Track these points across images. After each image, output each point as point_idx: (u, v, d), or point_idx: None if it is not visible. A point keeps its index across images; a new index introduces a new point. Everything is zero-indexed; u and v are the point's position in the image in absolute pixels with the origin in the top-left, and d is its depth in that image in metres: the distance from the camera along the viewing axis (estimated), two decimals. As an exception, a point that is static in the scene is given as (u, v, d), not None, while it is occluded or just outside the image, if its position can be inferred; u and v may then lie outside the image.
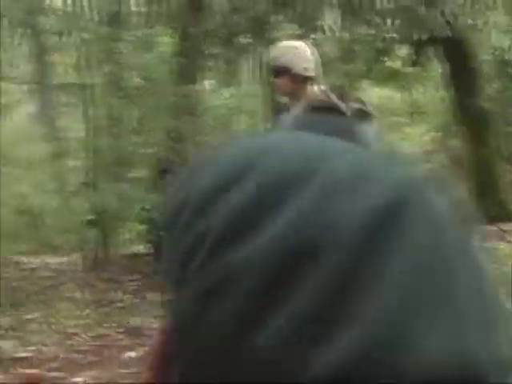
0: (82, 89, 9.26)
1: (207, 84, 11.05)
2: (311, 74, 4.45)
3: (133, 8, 12.99)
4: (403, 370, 0.43)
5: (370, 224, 0.45)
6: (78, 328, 6.10)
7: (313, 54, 4.56)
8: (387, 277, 0.44)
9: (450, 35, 9.79)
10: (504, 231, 8.72)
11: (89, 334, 5.94)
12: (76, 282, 7.85)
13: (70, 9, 11.11)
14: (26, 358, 5.35)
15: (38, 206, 9.99)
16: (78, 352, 5.43)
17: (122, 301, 7.13)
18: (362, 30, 10.88)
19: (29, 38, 12.74)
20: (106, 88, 8.50)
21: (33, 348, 5.57)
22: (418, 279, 0.45)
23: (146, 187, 8.13)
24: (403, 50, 12.38)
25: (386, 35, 10.86)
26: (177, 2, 12.20)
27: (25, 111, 12.64)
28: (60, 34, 10.01)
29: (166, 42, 9.32)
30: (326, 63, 11.57)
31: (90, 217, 8.20)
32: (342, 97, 4.43)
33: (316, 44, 12.12)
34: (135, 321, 6.39)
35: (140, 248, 9.42)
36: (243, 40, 9.74)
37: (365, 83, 12.34)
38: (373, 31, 10.82)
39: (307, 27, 10.05)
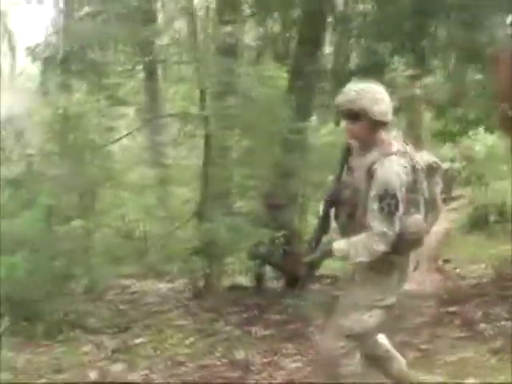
0: (195, 119, 9.41)
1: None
2: (388, 119, 4.20)
3: (246, 41, 13.22)
4: None
5: None
6: (184, 356, 6.14)
7: (388, 97, 4.25)
8: None
9: None
10: None
11: (195, 364, 5.97)
12: (180, 310, 7.93)
13: (184, 39, 11.41)
14: (135, 383, 5.41)
15: (146, 231, 10.15)
16: (188, 382, 5.46)
17: (225, 332, 7.14)
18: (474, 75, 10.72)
19: (144, 67, 13.11)
20: (219, 119, 8.59)
21: (142, 373, 5.63)
22: None
23: (253, 221, 8.19)
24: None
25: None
26: (292, 38, 12.35)
27: (137, 138, 12.98)
28: (175, 64, 10.26)
29: (279, 77, 9.37)
30: (436, 106, 11.54)
31: (197, 245, 8.27)
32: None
33: (427, 87, 12.11)
34: (239, 354, 6.39)
35: (243, 280, 9.48)
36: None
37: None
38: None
39: (422, 69, 9.99)
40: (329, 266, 10.70)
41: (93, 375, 5.49)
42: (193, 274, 8.74)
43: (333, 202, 4.27)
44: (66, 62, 8.67)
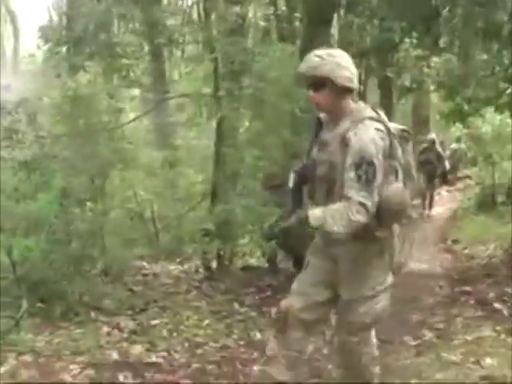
0: (207, 100, 9.38)
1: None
2: (354, 85, 3.97)
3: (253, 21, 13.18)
4: None
5: None
6: (202, 338, 6.15)
7: (352, 64, 4.01)
8: None
9: None
10: None
11: (213, 345, 5.99)
12: (195, 292, 7.94)
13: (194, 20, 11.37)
14: (156, 364, 5.42)
15: (158, 212, 10.16)
16: (209, 362, 5.47)
17: (240, 313, 7.16)
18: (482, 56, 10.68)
19: (151, 49, 13.08)
20: (232, 99, 8.56)
21: (162, 354, 5.64)
22: None
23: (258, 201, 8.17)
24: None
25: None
26: (298, 18, 12.29)
27: (143, 119, 12.95)
28: (188, 45, 10.24)
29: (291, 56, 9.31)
30: (446, 86, 11.50)
31: (210, 227, 8.26)
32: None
33: (438, 67, 12.07)
34: (256, 335, 6.41)
35: (254, 261, 9.49)
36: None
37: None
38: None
39: (434, 49, 9.96)
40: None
41: (113, 356, 5.49)
42: (205, 255, 8.75)
43: (305, 178, 4.09)
44: (80, 43, 8.64)
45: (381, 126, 3.89)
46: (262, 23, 12.89)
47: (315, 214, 3.84)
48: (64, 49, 9.93)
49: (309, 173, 4.07)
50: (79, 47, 8.69)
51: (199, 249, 8.66)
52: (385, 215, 3.88)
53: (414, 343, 6.24)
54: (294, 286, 4.28)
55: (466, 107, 11.25)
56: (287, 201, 4.08)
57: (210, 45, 8.48)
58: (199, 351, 5.78)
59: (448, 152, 18.92)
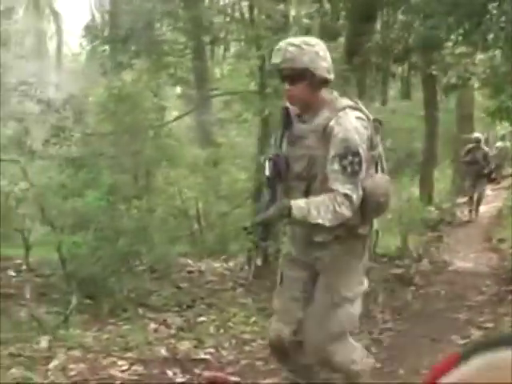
0: (251, 96, 9.39)
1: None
2: (332, 76, 3.64)
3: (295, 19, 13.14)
4: None
5: None
6: (249, 335, 6.15)
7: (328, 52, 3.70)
8: None
9: None
10: None
11: (260, 342, 5.97)
12: (240, 289, 7.96)
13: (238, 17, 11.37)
14: (204, 360, 5.43)
15: (202, 210, 10.21)
16: (257, 359, 5.46)
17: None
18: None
19: (194, 46, 13.12)
20: (278, 97, 8.54)
21: (210, 350, 5.65)
22: None
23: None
24: None
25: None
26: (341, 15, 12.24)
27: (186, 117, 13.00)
28: (234, 42, 10.26)
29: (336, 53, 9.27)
30: (492, 84, 11.37)
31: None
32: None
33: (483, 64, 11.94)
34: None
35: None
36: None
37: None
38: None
39: (480, 46, 9.85)
40: (381, 245, 10.72)
41: (162, 353, 5.52)
42: (250, 252, 8.75)
43: (279, 168, 3.66)
44: (126, 41, 8.69)
45: (361, 115, 3.63)
46: (305, 21, 12.83)
47: (298, 204, 3.46)
48: (107, 47, 10.02)
49: (281, 169, 3.67)
50: (125, 45, 8.72)
51: (244, 246, 8.65)
52: (370, 208, 3.65)
53: (461, 342, 6.16)
54: (275, 303, 4.01)
55: (511, 105, 11.10)
56: (264, 192, 3.68)
57: (257, 42, 8.47)
58: (247, 348, 5.78)
59: (494, 150, 18.70)
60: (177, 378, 5.11)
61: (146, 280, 7.42)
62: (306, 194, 3.59)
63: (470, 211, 15.24)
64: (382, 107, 13.81)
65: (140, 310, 6.74)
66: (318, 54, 3.58)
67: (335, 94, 3.71)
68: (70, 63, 29.31)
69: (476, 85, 14.48)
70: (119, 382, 4.97)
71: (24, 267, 8.01)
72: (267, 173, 3.62)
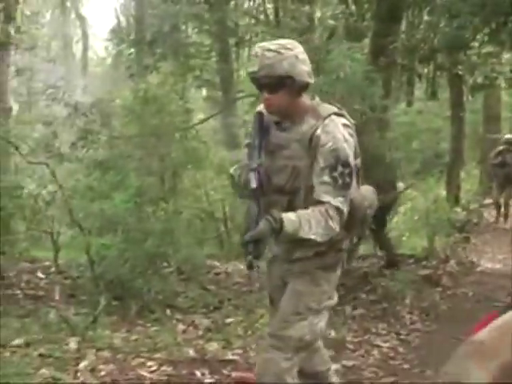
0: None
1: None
2: (312, 80, 3.41)
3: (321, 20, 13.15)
4: None
5: None
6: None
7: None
8: None
9: None
10: None
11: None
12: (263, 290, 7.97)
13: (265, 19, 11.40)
14: (232, 361, 5.45)
15: (229, 212, 10.24)
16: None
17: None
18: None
19: (219, 49, 13.17)
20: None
21: (238, 351, 5.67)
22: None
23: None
24: None
25: None
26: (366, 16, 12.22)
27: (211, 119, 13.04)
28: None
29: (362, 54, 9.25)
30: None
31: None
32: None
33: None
34: (330, 333, 6.38)
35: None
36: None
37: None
38: None
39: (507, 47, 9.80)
40: (407, 246, 10.68)
41: (190, 353, 5.54)
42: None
43: (261, 189, 3.36)
44: (152, 44, 8.73)
45: (347, 122, 3.41)
46: (330, 22, 12.84)
47: (289, 217, 3.20)
48: (133, 50, 10.08)
49: (262, 181, 3.38)
50: (151, 48, 8.76)
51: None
52: (356, 221, 3.50)
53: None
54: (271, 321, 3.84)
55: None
56: (251, 205, 3.32)
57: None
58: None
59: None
60: (205, 378, 5.14)
61: (174, 281, 7.46)
62: (289, 209, 3.32)
63: (497, 216, 15.04)
64: (408, 108, 13.74)
65: (168, 312, 6.78)
66: (298, 57, 3.33)
67: (317, 99, 3.52)
68: (96, 67, 29.53)
69: (503, 84, 14.36)
70: (148, 382, 5.01)
71: (53, 269, 8.10)
72: (253, 185, 3.31)
